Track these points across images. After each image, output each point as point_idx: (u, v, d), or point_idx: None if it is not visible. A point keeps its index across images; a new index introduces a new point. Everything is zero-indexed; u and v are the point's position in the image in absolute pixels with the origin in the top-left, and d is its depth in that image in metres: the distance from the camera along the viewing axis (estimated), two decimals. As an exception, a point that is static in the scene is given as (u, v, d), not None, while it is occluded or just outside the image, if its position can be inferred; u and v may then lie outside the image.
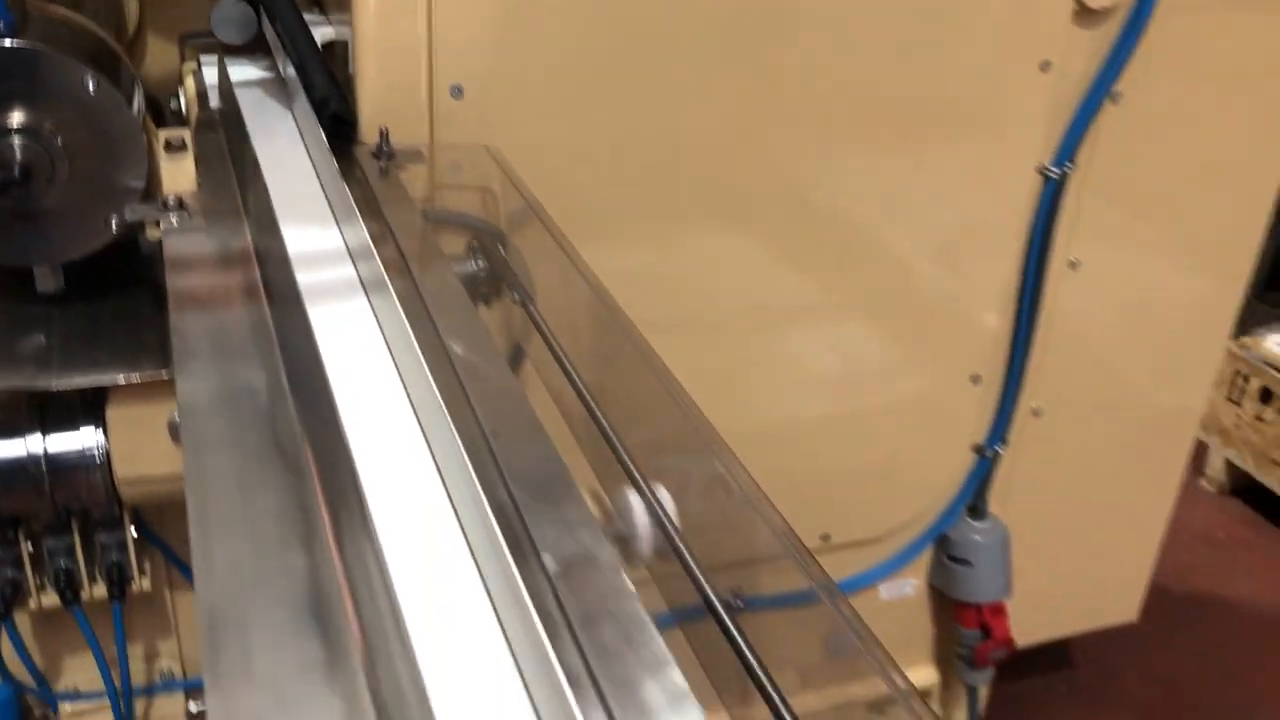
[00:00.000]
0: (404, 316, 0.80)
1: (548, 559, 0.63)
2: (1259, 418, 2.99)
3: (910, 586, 1.92)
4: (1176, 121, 1.67)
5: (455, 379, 0.79)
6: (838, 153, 1.50)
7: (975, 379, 1.74)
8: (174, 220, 1.02)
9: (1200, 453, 3.19)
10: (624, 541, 0.71)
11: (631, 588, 0.62)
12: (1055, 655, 2.52)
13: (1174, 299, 1.84)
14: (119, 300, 1.15)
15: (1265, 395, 2.97)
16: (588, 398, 0.82)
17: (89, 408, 1.15)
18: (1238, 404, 3.05)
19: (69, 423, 1.15)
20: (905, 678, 0.76)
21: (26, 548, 1.22)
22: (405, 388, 0.76)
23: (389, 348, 0.80)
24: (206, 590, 0.59)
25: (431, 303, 0.90)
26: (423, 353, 0.76)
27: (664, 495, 0.72)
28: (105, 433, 1.15)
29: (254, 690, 0.51)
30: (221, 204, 1.08)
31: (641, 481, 0.73)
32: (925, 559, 1.92)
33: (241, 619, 0.56)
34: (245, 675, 0.52)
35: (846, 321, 1.64)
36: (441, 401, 0.71)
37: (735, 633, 0.70)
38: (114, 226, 1.06)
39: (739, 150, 1.44)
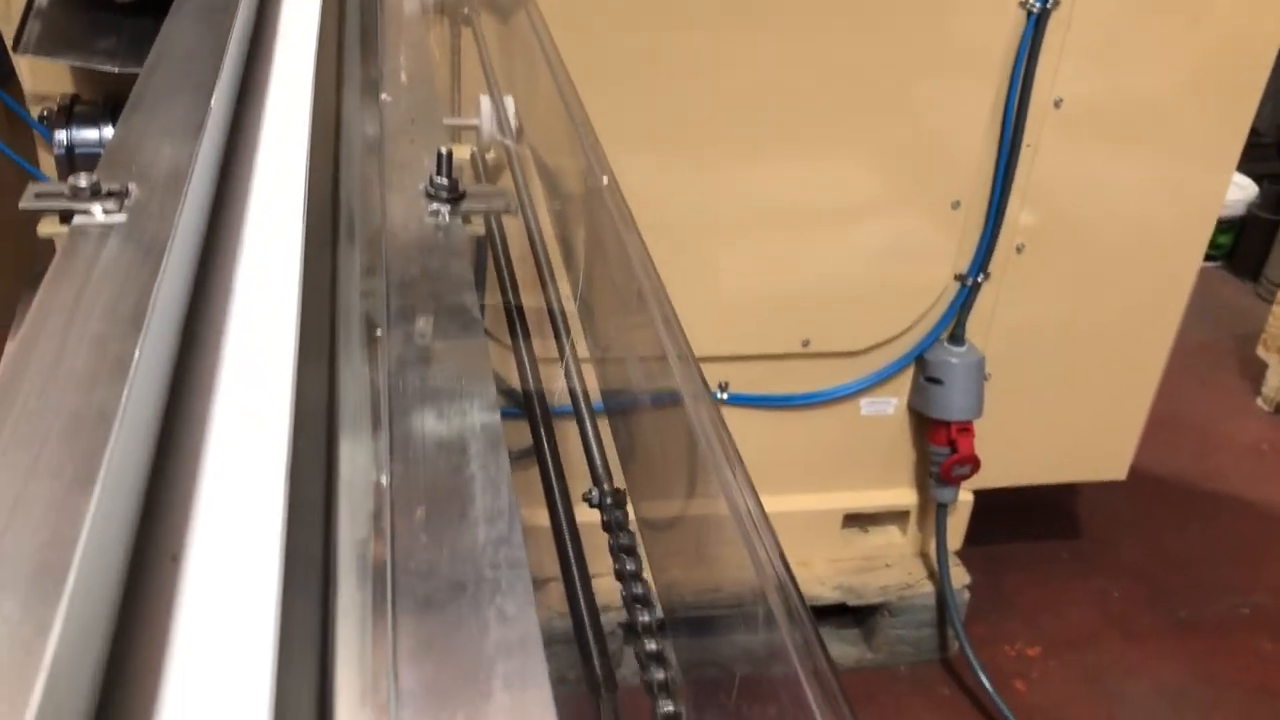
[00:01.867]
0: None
1: (384, 96, 0.86)
2: (1318, 336, 3.00)
3: (891, 406, 2.08)
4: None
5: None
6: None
7: (955, 205, 1.88)
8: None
9: (1258, 372, 3.20)
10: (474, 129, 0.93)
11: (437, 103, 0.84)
12: (1062, 525, 2.63)
13: (1164, 145, 1.93)
14: (179, 19, 1.43)
15: (1326, 313, 2.98)
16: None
17: (152, 108, 1.43)
18: (1299, 322, 3.06)
19: (137, 120, 1.44)
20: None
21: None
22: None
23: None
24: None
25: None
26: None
27: (509, 101, 0.94)
28: (163, 129, 1.43)
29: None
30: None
31: (495, 88, 0.95)
32: (906, 384, 2.07)
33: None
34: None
35: (831, 139, 1.81)
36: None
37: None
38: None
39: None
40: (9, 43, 1.38)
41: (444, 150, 0.70)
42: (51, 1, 1.38)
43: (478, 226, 0.70)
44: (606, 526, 0.61)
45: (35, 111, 1.52)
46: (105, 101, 1.45)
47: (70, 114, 1.41)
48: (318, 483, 0.48)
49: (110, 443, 0.46)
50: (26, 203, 0.66)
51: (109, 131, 1.43)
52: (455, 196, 0.70)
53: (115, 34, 1.40)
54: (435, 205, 0.70)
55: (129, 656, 0.42)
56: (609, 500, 0.64)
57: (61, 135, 1.41)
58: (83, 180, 0.67)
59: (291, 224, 0.65)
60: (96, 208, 0.66)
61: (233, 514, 0.45)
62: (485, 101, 0.94)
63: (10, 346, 0.53)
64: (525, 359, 0.74)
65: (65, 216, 0.67)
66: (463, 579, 0.42)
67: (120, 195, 0.68)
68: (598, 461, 0.66)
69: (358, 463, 0.49)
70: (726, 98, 1.72)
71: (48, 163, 1.57)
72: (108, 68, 1.34)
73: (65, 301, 0.58)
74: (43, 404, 0.51)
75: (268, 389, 0.50)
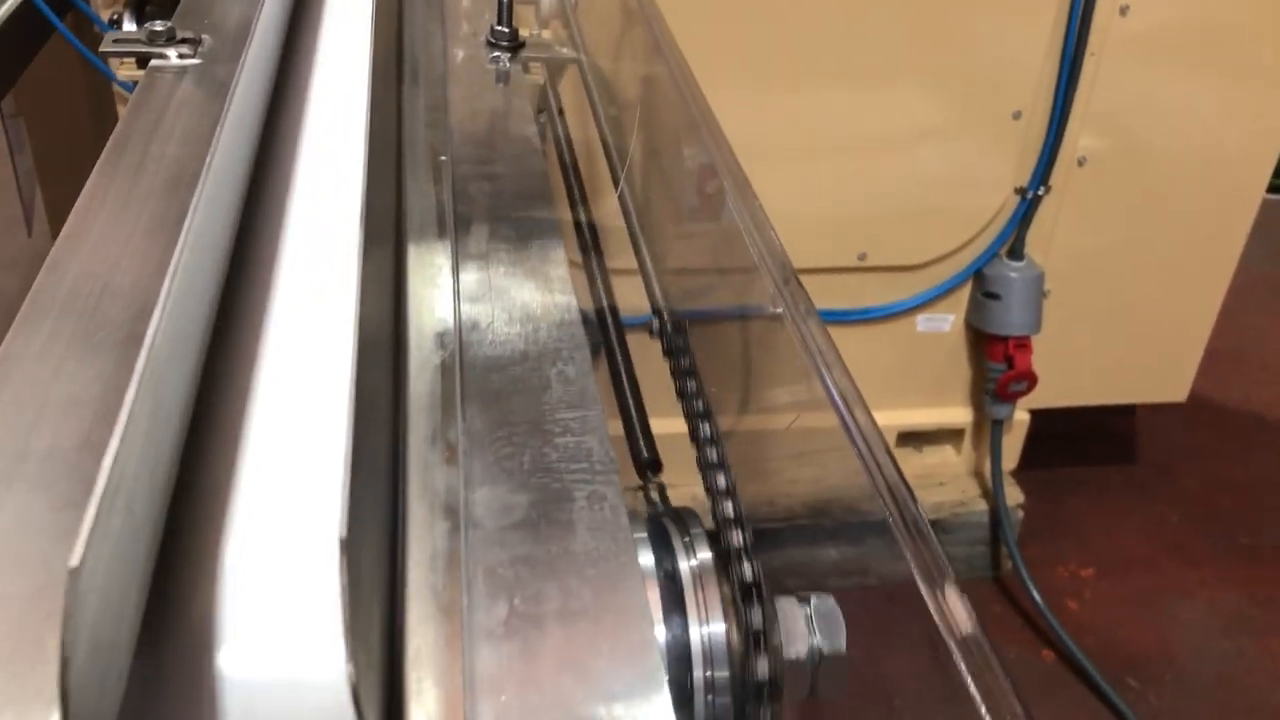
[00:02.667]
0: None
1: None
2: (1391, 265, 2.92)
3: (947, 322, 2.08)
4: None
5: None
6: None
7: (1017, 115, 1.86)
8: None
9: (1329, 303, 3.14)
10: None
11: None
12: (1119, 452, 2.61)
13: (1232, 67, 1.88)
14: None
15: (1401, 242, 2.90)
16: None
17: None
18: (1372, 251, 2.98)
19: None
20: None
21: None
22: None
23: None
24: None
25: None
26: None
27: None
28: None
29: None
30: None
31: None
32: (964, 301, 2.06)
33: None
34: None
35: (891, 48, 1.79)
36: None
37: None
38: None
39: None
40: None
41: (503, 0, 0.71)
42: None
43: (537, 76, 0.72)
44: (668, 353, 0.61)
45: (106, 15, 1.56)
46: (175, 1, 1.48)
47: (141, 12, 1.44)
48: (388, 278, 0.50)
49: (186, 226, 0.48)
50: (105, 47, 0.68)
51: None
52: (515, 45, 0.72)
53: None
54: (496, 53, 0.71)
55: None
56: (669, 327, 0.64)
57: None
58: (158, 25, 0.69)
59: (358, 66, 0.67)
60: (171, 52, 0.69)
61: (309, 303, 0.47)
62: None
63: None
64: (581, 214, 0.76)
65: (141, 62, 0.70)
66: (526, 349, 0.44)
67: (194, 42, 0.70)
68: (655, 287, 0.67)
69: (426, 262, 0.51)
70: (784, 21, 1.71)
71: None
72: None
73: (144, 128, 0.61)
74: (125, 209, 0.53)
75: (339, 194, 0.52)
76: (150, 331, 0.33)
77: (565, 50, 0.73)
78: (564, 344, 0.44)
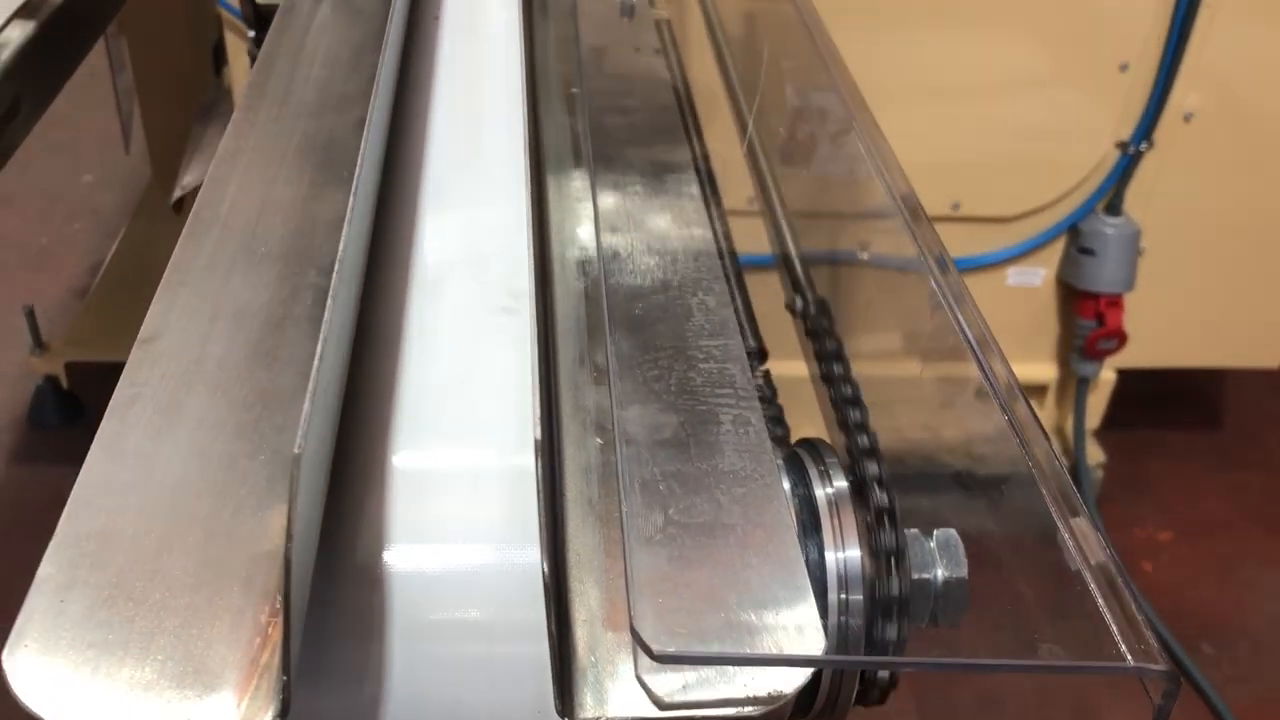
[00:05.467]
0: None
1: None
2: None
3: (1038, 277, 2.05)
4: None
5: None
6: None
7: (1124, 67, 1.82)
8: None
9: None
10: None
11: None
12: (1206, 417, 2.57)
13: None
14: None
15: None
16: None
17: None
18: None
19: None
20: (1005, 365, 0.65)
21: None
22: None
23: None
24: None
25: None
26: None
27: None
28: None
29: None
30: None
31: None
32: (1056, 255, 2.03)
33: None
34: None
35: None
36: None
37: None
38: None
39: None
40: None
41: (633, -67, 0.72)
42: None
43: (663, 10, 0.72)
44: (811, 334, 0.60)
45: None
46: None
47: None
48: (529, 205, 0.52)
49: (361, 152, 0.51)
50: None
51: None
52: (641, -20, 0.72)
53: None
54: (623, -13, 0.72)
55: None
56: (813, 309, 0.62)
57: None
58: (297, -49, 0.71)
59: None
60: (309, -24, 0.71)
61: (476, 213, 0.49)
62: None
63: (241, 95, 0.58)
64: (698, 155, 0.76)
65: (281, -14, 0.72)
66: (666, 278, 0.45)
67: (330, -33, 0.72)
68: (796, 264, 0.66)
69: (564, 191, 0.53)
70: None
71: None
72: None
73: (288, 50, 0.63)
74: (277, 130, 0.55)
75: (499, 117, 0.54)
76: (340, 250, 0.35)
77: (690, -14, 0.73)
78: (703, 274, 0.45)
